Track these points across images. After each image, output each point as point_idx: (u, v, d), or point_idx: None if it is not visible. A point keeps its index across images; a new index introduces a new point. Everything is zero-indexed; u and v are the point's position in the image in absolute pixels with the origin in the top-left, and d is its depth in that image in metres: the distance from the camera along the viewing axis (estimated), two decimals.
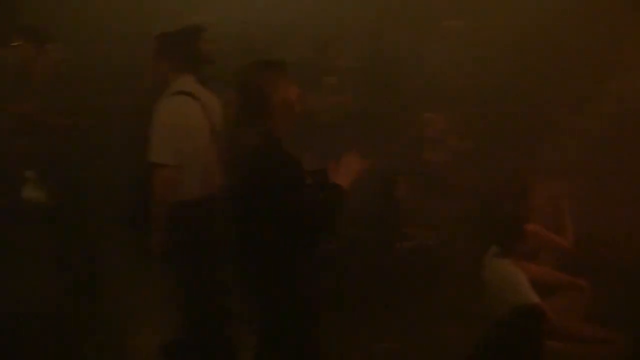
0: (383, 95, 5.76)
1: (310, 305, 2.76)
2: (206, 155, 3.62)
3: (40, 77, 4.41)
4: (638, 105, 5.34)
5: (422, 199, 4.95)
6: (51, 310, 3.96)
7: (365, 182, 4.58)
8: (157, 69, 3.71)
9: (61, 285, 4.06)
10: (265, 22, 6.63)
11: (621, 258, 4.11)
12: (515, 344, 2.98)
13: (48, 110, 4.36)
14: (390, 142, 5.17)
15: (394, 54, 6.36)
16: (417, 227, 4.74)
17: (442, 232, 4.86)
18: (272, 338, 2.77)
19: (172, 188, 3.46)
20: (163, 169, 3.44)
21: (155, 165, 3.45)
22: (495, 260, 3.46)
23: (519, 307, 3.09)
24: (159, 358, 3.83)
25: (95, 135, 4.53)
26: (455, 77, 6.32)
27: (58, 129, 4.35)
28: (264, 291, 2.71)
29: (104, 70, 5.19)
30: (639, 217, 4.45)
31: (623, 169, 4.97)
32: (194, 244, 3.55)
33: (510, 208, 3.48)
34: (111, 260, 4.53)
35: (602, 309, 3.67)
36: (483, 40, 6.44)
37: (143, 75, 4.25)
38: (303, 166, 2.72)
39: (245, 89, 2.69)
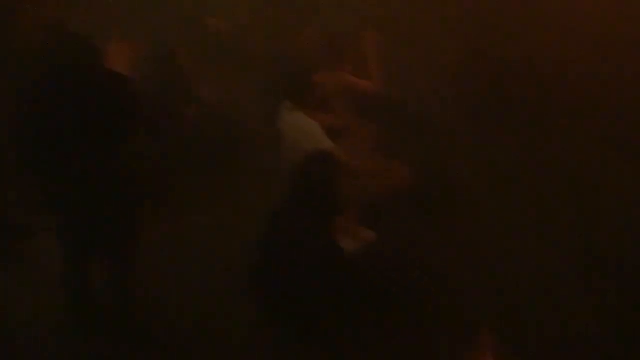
0: None
1: None
2: None
3: None
4: None
5: (210, 66, 4.78)
6: None
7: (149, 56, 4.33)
8: None
9: None
10: None
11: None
12: (313, 188, 3.01)
13: None
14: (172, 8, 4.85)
15: None
16: (207, 91, 4.56)
17: (234, 94, 4.77)
18: None
19: None
20: None
21: None
22: (289, 113, 3.48)
23: (313, 153, 3.13)
24: None
25: None
26: None
27: None
28: None
29: None
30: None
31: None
32: None
33: (297, 64, 3.48)
34: None
35: (387, 144, 3.94)
36: None
37: None
38: None
39: None
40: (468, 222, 3.89)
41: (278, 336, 3.21)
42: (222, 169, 4.45)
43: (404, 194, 3.71)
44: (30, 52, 3.74)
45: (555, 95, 4.52)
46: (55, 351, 3.17)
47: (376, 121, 3.90)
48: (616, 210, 3.85)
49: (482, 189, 4.15)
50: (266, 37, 5.18)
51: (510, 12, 4.74)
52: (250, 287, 3.14)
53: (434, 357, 3.07)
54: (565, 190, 4.04)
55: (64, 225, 2.87)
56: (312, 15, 5.11)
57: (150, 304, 3.49)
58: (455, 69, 4.80)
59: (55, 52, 2.40)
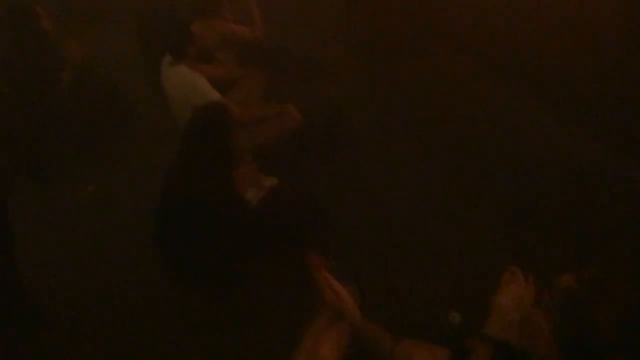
0: None
1: None
2: None
3: None
4: None
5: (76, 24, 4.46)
6: None
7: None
8: None
9: None
10: None
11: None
12: (206, 143, 2.88)
13: None
14: None
15: None
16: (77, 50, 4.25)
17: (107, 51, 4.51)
18: None
19: None
20: None
21: None
22: (171, 68, 3.34)
23: (201, 107, 3.04)
24: None
25: None
26: None
27: None
28: None
29: None
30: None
31: None
32: None
33: (174, 14, 3.31)
34: None
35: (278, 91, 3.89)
36: None
37: None
38: None
39: None
40: (362, 160, 3.95)
41: (183, 296, 3.19)
42: (107, 132, 4.24)
43: (297, 137, 3.71)
44: None
45: (441, 29, 4.55)
46: None
47: (262, 68, 3.82)
48: (503, 141, 3.90)
49: (372, 127, 4.19)
50: None
51: None
52: (153, 249, 3.06)
53: None
54: (452, 125, 4.09)
55: None
56: None
57: (43, 281, 3.33)
58: (335, 11, 4.75)
59: None
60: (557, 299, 1.82)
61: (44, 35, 3.92)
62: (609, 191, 3.43)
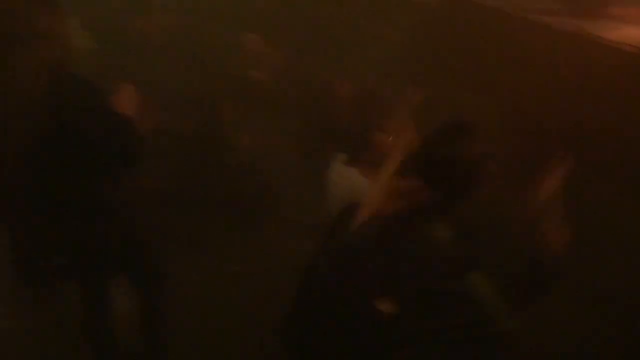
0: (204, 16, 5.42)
1: None
2: None
3: None
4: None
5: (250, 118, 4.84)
6: None
7: (189, 106, 4.38)
8: None
9: None
10: None
11: None
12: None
13: None
14: (214, 63, 4.91)
15: None
16: (248, 140, 4.59)
17: (271, 148, 4.82)
18: None
19: None
20: None
21: None
22: (342, 166, 3.33)
23: (350, 205, 3.05)
24: None
25: None
26: None
27: None
28: None
29: None
30: None
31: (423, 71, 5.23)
32: None
33: (355, 117, 3.42)
34: None
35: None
36: None
37: None
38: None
39: None
40: None
41: None
42: (261, 218, 4.45)
43: None
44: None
45: None
46: None
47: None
48: None
49: None
50: (299, 85, 5.27)
51: None
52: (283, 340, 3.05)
53: None
54: None
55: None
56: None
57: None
58: None
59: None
60: None
61: (219, 122, 4.29)
62: None
